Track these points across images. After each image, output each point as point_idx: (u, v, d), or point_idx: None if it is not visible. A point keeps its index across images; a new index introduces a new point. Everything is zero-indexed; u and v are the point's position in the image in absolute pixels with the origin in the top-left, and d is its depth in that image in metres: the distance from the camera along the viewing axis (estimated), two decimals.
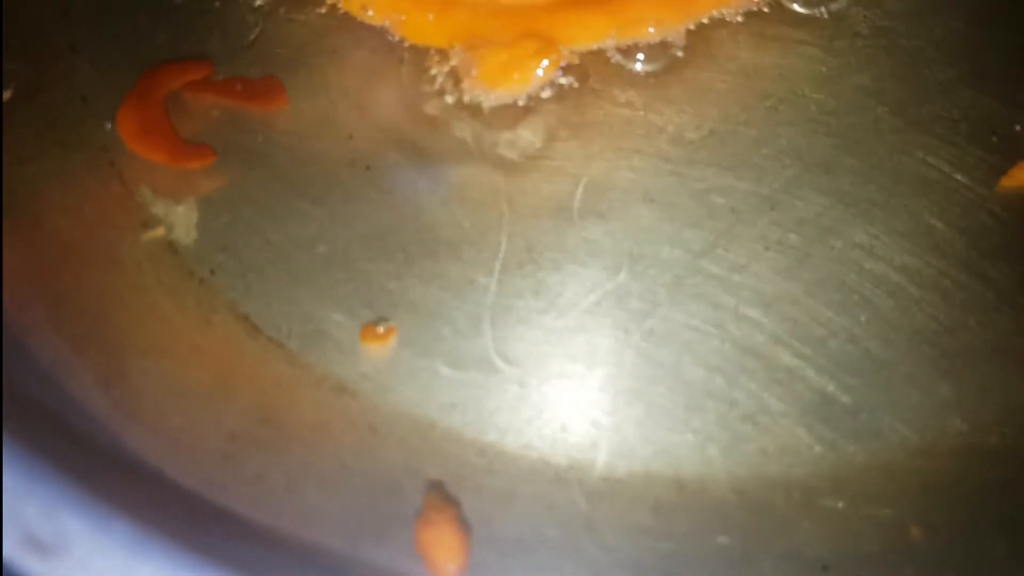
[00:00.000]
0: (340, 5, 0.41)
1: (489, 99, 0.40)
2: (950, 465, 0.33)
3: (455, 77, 0.40)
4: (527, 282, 0.37)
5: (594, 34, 0.41)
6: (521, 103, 0.40)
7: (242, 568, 0.28)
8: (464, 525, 0.31)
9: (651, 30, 0.41)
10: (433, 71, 0.40)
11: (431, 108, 0.40)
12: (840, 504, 0.33)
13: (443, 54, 0.41)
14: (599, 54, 0.41)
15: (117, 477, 0.30)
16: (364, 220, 0.38)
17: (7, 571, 0.25)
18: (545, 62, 0.40)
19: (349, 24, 0.41)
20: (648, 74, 0.41)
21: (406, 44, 0.41)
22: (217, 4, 0.42)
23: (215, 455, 0.33)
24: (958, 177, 0.39)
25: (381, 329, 0.35)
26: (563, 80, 0.40)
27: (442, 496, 0.32)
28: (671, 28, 0.41)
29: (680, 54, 0.41)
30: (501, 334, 0.36)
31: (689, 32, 0.41)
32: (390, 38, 0.41)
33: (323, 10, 0.42)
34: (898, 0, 0.43)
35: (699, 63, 0.41)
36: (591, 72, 0.41)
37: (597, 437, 0.34)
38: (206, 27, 0.41)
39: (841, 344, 0.35)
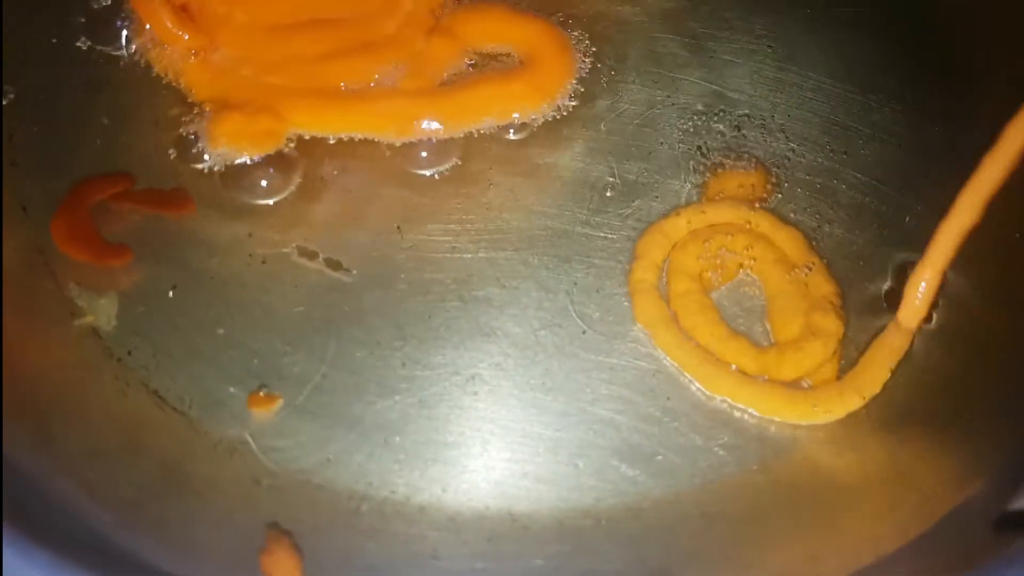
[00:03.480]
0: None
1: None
2: (724, 496, 0.41)
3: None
4: (396, 355, 0.45)
5: (324, 125, 0.49)
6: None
7: None
8: (297, 551, 0.39)
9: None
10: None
11: None
12: (637, 530, 0.40)
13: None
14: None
15: (41, 518, 0.37)
16: (258, 306, 0.45)
17: None
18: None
19: None
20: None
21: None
22: (140, 128, 0.49)
23: (124, 503, 0.40)
24: None
25: (263, 394, 0.43)
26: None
27: (278, 531, 0.40)
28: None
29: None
30: (372, 399, 0.44)
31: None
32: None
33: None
34: None
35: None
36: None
37: (446, 482, 0.42)
38: (133, 144, 0.49)
39: (644, 401, 0.44)
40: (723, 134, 0.50)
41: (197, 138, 0.48)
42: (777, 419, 0.43)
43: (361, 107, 0.49)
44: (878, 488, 0.42)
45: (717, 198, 0.48)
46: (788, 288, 0.46)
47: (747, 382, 0.43)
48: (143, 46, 0.51)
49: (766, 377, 0.44)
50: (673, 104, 0.51)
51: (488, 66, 0.51)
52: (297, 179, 0.48)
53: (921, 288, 0.44)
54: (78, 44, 0.51)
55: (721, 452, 0.42)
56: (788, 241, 0.47)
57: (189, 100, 0.49)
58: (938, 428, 0.43)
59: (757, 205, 0.48)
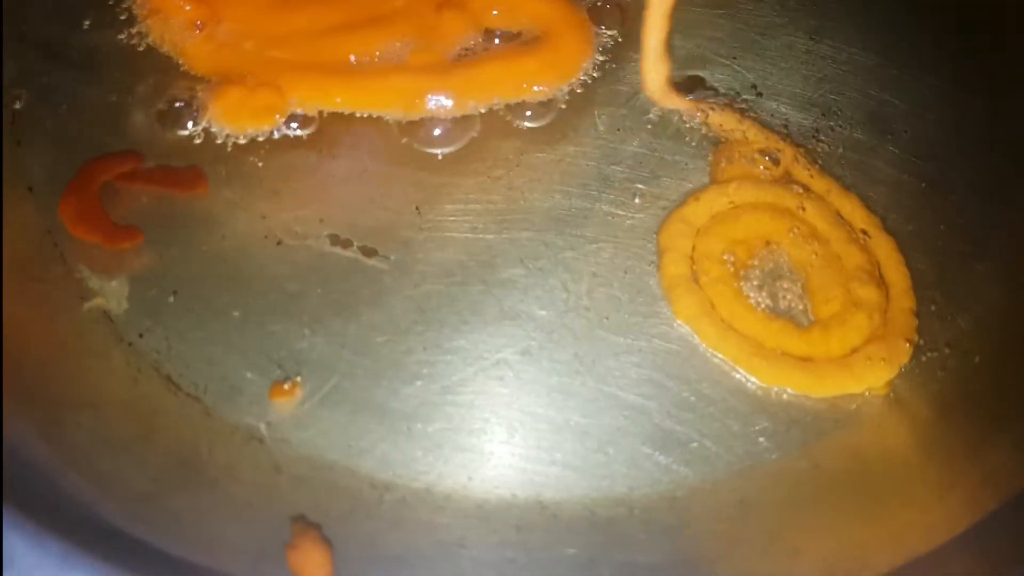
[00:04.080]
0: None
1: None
2: (762, 484, 0.39)
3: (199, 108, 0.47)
4: (417, 340, 0.43)
5: (326, 100, 0.48)
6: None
7: None
8: (326, 543, 0.37)
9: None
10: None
11: None
12: (672, 519, 0.39)
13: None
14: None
15: (53, 510, 0.35)
16: (275, 289, 0.44)
17: None
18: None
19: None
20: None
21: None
22: (150, 105, 0.48)
23: (138, 494, 0.38)
24: None
25: (287, 386, 0.41)
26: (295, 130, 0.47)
27: (304, 523, 0.38)
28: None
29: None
30: (394, 386, 0.42)
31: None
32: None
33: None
34: None
35: None
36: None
37: (473, 470, 0.40)
38: (139, 122, 0.48)
39: (677, 386, 0.42)
40: (753, 110, 0.49)
41: (203, 114, 0.47)
42: (837, 394, 0.42)
43: (365, 83, 0.48)
44: (927, 474, 0.40)
45: (738, 178, 0.46)
46: (822, 263, 0.44)
47: (799, 367, 0.41)
48: (145, 18, 0.49)
49: (814, 358, 0.42)
50: (701, 80, 0.49)
51: (502, 43, 0.49)
52: (312, 159, 0.47)
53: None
54: (83, 20, 0.49)
55: (760, 438, 0.41)
56: (843, 206, 0.46)
57: (193, 75, 0.48)
58: (991, 412, 0.41)
59: (786, 182, 0.46)
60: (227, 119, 0.47)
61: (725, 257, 0.44)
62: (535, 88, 0.48)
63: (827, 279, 0.44)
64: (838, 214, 0.46)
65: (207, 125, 0.47)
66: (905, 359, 0.42)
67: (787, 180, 0.46)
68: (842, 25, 0.51)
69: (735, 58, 0.50)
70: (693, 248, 0.45)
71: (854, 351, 0.42)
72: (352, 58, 0.48)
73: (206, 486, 0.39)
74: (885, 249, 0.45)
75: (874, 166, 0.47)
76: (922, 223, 0.46)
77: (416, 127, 0.47)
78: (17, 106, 0.47)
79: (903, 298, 0.44)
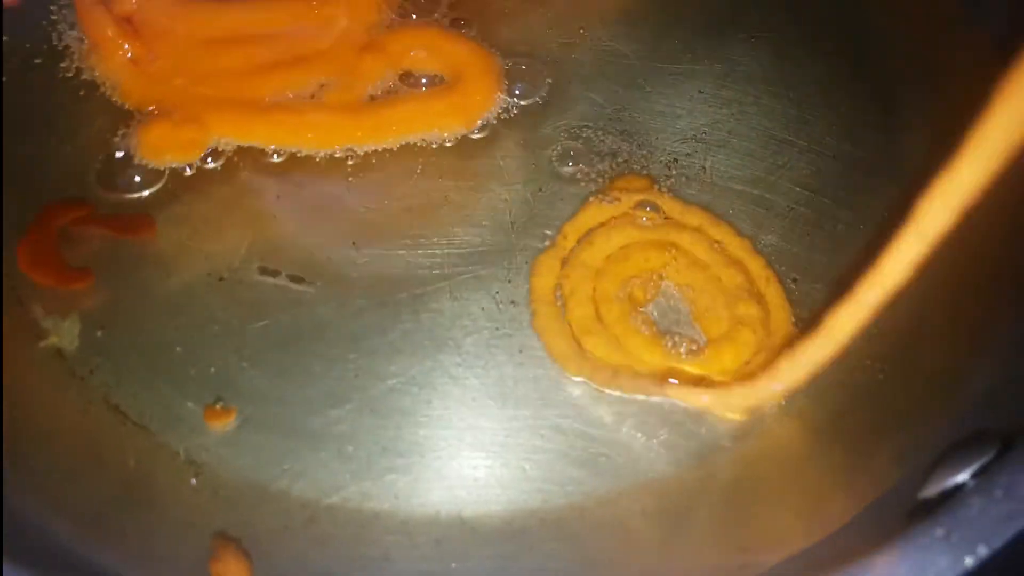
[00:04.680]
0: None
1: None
2: (662, 493, 0.43)
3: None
4: (350, 367, 0.46)
5: (247, 135, 0.52)
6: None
7: None
8: (245, 556, 0.41)
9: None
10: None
11: None
12: (581, 528, 0.42)
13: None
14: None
15: (9, 532, 0.38)
16: (216, 323, 0.47)
17: None
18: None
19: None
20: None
21: None
22: (100, 157, 0.51)
23: (87, 515, 0.42)
24: None
25: (219, 407, 0.45)
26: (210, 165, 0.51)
27: (224, 537, 0.41)
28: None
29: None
30: (325, 411, 0.45)
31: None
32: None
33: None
34: None
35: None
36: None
37: (399, 489, 0.44)
38: (91, 172, 0.51)
39: (592, 405, 0.45)
40: (661, 150, 0.52)
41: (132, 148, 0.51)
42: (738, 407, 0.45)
43: (283, 119, 0.52)
44: (807, 483, 0.43)
45: (622, 224, 0.50)
46: (705, 287, 0.48)
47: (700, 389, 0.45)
48: (87, 55, 0.53)
49: (710, 376, 0.45)
50: (612, 120, 0.53)
51: (416, 86, 0.54)
52: (250, 198, 0.50)
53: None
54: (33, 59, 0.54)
55: (661, 450, 0.44)
56: (716, 234, 0.49)
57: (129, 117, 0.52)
58: (864, 428, 0.45)
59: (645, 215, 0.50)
60: (151, 152, 0.51)
61: (620, 295, 0.48)
62: (441, 128, 0.52)
63: (712, 302, 0.47)
64: (712, 242, 0.49)
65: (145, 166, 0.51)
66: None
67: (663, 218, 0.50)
68: (750, 71, 0.56)
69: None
70: (594, 290, 0.48)
71: (746, 364, 0.46)
72: (273, 96, 0.52)
73: (149, 506, 0.42)
74: (757, 267, 0.49)
75: (774, 200, 0.51)
76: (813, 252, 0.50)
77: (341, 164, 0.51)
78: None
79: (780, 311, 0.47)
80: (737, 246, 0.49)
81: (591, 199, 0.50)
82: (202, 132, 0.51)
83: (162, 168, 0.51)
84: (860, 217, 0.50)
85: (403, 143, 0.52)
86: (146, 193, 0.50)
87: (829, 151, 0.53)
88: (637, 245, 0.49)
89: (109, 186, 0.50)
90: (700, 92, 0.55)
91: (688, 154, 0.52)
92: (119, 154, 0.51)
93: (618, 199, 0.50)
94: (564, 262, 0.49)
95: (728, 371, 0.45)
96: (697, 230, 0.49)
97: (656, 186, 0.51)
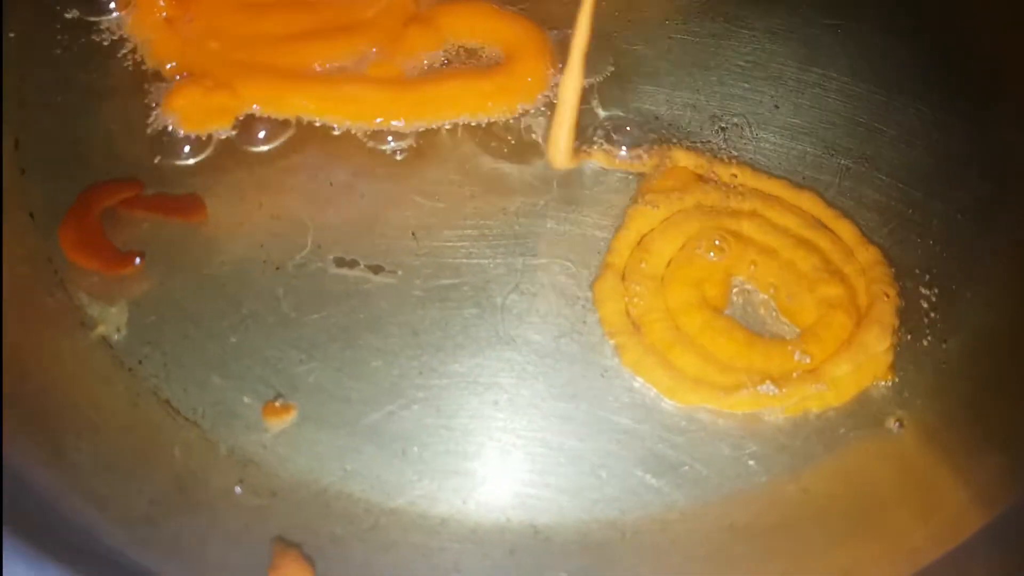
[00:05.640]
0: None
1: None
2: (751, 508, 0.40)
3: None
4: (412, 364, 0.44)
5: (281, 105, 0.49)
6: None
7: None
8: (308, 562, 0.38)
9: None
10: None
11: None
12: (663, 542, 0.39)
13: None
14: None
15: (53, 535, 0.36)
16: (272, 314, 0.44)
17: None
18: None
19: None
20: None
21: None
22: (148, 132, 0.49)
23: (137, 518, 0.39)
24: None
25: (279, 404, 0.42)
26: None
27: (284, 543, 0.39)
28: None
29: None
30: (389, 409, 0.42)
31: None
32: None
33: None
34: None
35: None
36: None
37: (467, 494, 0.41)
38: (140, 150, 0.48)
39: (669, 409, 0.43)
40: (740, 137, 0.49)
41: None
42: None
43: (318, 90, 0.49)
44: (912, 499, 0.40)
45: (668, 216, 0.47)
46: (783, 277, 0.45)
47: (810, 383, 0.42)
48: (121, 9, 0.51)
49: (813, 365, 0.43)
50: (691, 105, 0.51)
51: (463, 62, 0.50)
52: (309, 181, 0.48)
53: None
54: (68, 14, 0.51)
55: (750, 462, 0.41)
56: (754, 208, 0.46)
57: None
58: (975, 439, 0.42)
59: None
60: (182, 118, 0.48)
61: (695, 300, 0.45)
62: (488, 109, 0.49)
63: (794, 291, 0.45)
64: (774, 225, 0.46)
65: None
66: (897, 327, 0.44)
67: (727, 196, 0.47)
68: (833, 55, 0.52)
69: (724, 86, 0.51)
70: (666, 304, 0.45)
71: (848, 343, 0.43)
72: (314, 66, 0.49)
73: (203, 509, 0.39)
74: (847, 233, 0.46)
75: (863, 192, 0.48)
76: (907, 248, 0.47)
77: (396, 147, 0.48)
78: (20, 135, 0.48)
79: (873, 269, 0.45)
80: (823, 213, 0.47)
81: (636, 203, 0.47)
82: (233, 99, 0.48)
83: (205, 138, 0.48)
84: (952, 209, 0.48)
85: (455, 123, 0.49)
86: (192, 162, 0.48)
87: (920, 141, 0.50)
88: (695, 242, 0.46)
89: (157, 165, 0.48)
90: (779, 76, 0.52)
91: (770, 140, 0.50)
92: (167, 124, 0.48)
93: (676, 193, 0.47)
94: (624, 278, 0.45)
95: (830, 354, 0.43)
96: (753, 214, 0.46)
97: (728, 166, 0.48)
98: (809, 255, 0.45)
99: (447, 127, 0.49)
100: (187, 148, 0.48)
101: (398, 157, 0.48)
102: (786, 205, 0.47)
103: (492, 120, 0.49)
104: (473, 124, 0.49)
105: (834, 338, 0.43)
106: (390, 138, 0.49)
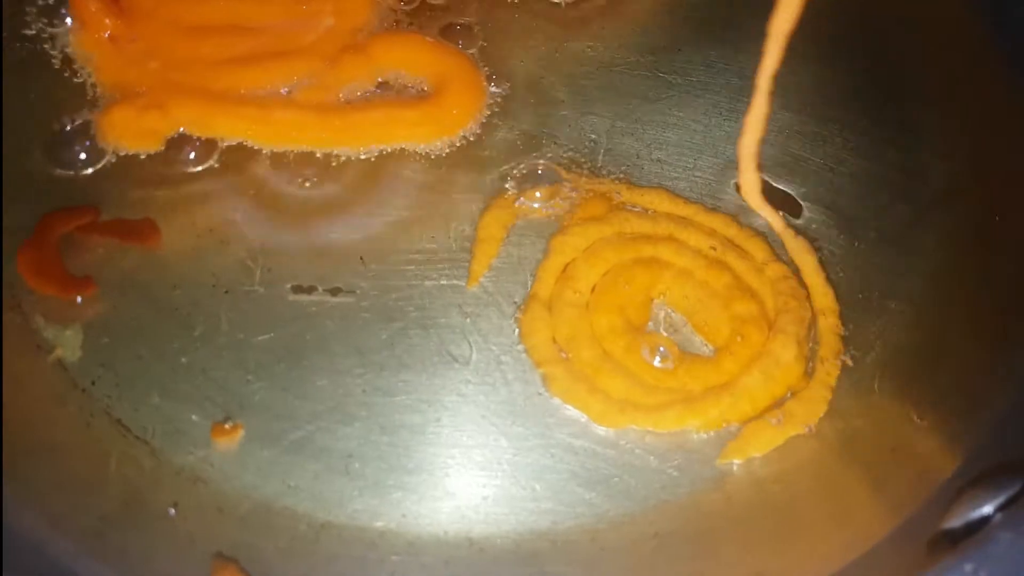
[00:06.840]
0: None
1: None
2: (676, 516, 0.42)
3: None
4: (356, 382, 0.45)
5: (210, 127, 0.51)
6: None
7: None
8: (245, 574, 0.40)
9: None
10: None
11: None
12: (592, 551, 0.41)
13: None
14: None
15: (8, 549, 0.37)
16: (221, 335, 0.46)
17: None
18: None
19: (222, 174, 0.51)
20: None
21: None
22: (113, 160, 0.50)
23: (87, 532, 0.41)
24: None
25: (228, 426, 0.44)
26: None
27: (223, 559, 0.40)
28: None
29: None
30: (332, 427, 0.44)
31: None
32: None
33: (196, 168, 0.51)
34: None
35: None
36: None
37: (407, 508, 0.43)
38: (97, 177, 0.50)
39: (595, 429, 0.45)
40: (661, 165, 0.52)
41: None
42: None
43: (247, 113, 0.51)
44: (827, 507, 0.43)
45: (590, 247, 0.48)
46: (699, 297, 0.47)
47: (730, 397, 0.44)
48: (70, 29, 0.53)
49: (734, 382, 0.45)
50: (618, 133, 0.53)
51: (394, 93, 0.52)
52: (257, 207, 0.49)
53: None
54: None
55: (675, 473, 0.43)
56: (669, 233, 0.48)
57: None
58: (886, 449, 0.44)
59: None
60: (112, 137, 0.50)
61: (619, 325, 0.46)
62: (413, 139, 0.51)
63: (710, 309, 0.47)
64: (687, 247, 0.48)
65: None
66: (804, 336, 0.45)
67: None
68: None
69: None
70: (592, 329, 0.46)
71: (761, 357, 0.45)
72: (245, 89, 0.51)
73: (152, 524, 0.41)
74: (759, 251, 0.48)
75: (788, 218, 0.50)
76: (829, 268, 0.49)
77: (342, 171, 0.50)
78: None
79: (780, 283, 0.47)
80: (734, 234, 0.49)
81: (560, 233, 0.49)
82: (164, 121, 0.50)
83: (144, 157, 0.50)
84: (875, 231, 0.50)
85: (382, 151, 0.51)
86: (90, 171, 0.50)
87: (846, 169, 0.52)
88: (616, 269, 0.48)
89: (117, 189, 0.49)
90: (715, 107, 0.54)
91: (695, 167, 0.52)
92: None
93: (595, 223, 0.49)
94: (550, 307, 0.47)
95: (746, 368, 0.45)
96: (670, 238, 0.48)
97: (645, 193, 0.50)
98: (722, 274, 0.47)
99: (392, 151, 0.51)
100: (126, 168, 0.50)
101: (346, 181, 0.50)
102: (701, 228, 0.49)
103: (437, 146, 0.51)
104: (418, 151, 0.51)
105: (748, 352, 0.45)
106: (333, 163, 0.51)
